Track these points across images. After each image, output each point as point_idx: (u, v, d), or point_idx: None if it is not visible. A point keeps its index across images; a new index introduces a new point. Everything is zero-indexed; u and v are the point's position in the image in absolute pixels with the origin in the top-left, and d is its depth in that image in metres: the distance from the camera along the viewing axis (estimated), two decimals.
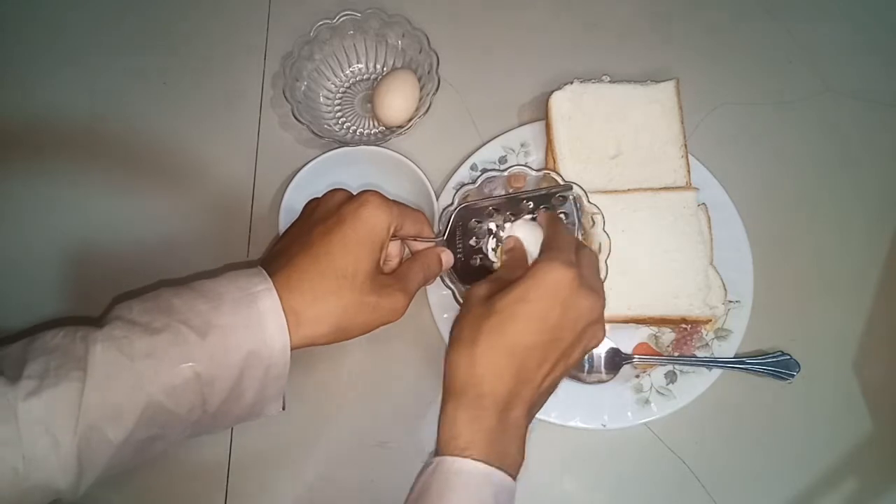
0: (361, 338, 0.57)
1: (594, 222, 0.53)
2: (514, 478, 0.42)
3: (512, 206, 0.51)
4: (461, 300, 0.53)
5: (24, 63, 0.66)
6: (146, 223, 0.61)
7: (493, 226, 0.51)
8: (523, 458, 0.43)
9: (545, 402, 0.46)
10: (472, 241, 0.52)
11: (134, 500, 0.54)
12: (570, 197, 0.52)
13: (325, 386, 0.57)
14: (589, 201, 0.53)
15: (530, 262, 0.49)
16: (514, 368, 0.42)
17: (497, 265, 0.52)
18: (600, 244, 0.53)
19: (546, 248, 0.48)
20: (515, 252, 0.50)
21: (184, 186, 0.62)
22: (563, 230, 0.50)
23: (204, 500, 0.54)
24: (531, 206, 0.51)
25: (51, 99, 0.65)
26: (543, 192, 0.52)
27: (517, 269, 0.48)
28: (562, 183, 0.53)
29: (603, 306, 0.45)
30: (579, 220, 0.53)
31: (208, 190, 0.62)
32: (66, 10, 0.68)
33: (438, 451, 0.42)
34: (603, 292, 0.46)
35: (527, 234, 0.51)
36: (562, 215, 0.52)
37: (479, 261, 0.52)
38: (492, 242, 0.52)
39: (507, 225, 0.51)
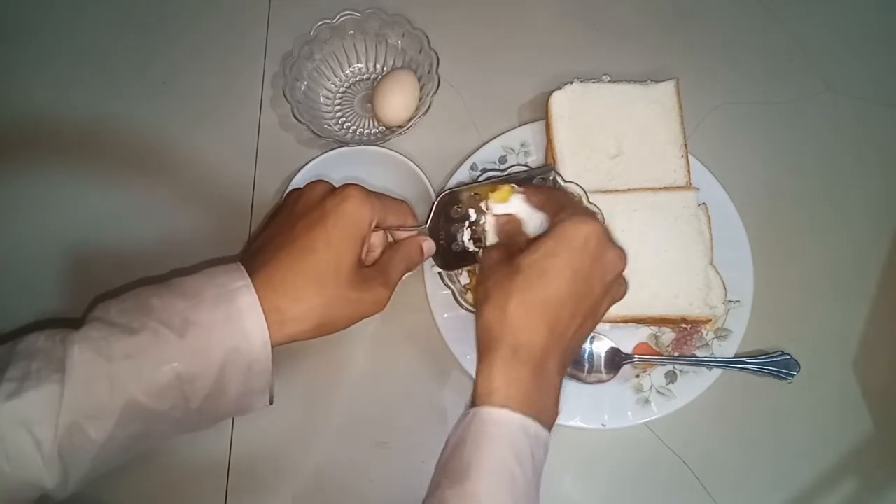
0: (362, 338, 0.58)
1: None
2: (549, 431, 0.42)
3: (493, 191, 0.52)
4: (461, 301, 0.53)
5: (25, 63, 0.66)
6: (145, 223, 0.61)
7: (471, 212, 0.52)
8: (557, 413, 0.44)
9: (573, 358, 0.47)
10: (454, 228, 0.52)
11: (134, 501, 0.54)
12: (550, 178, 0.52)
13: (325, 387, 0.57)
14: (589, 201, 0.54)
15: (526, 228, 0.50)
16: (547, 322, 0.43)
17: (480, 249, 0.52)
18: None
19: (559, 210, 0.47)
20: (512, 224, 0.51)
21: (183, 186, 0.62)
22: (565, 194, 0.51)
23: (204, 500, 0.54)
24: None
25: (51, 99, 0.65)
26: (524, 175, 0.52)
27: (517, 235, 0.49)
28: (558, 181, 0.53)
29: (626, 258, 0.46)
30: None
31: (208, 190, 0.62)
32: (67, 10, 0.68)
33: (474, 405, 0.42)
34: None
35: (516, 208, 0.51)
36: None
37: (461, 246, 0.52)
38: (467, 234, 0.52)
39: (494, 207, 0.51)
